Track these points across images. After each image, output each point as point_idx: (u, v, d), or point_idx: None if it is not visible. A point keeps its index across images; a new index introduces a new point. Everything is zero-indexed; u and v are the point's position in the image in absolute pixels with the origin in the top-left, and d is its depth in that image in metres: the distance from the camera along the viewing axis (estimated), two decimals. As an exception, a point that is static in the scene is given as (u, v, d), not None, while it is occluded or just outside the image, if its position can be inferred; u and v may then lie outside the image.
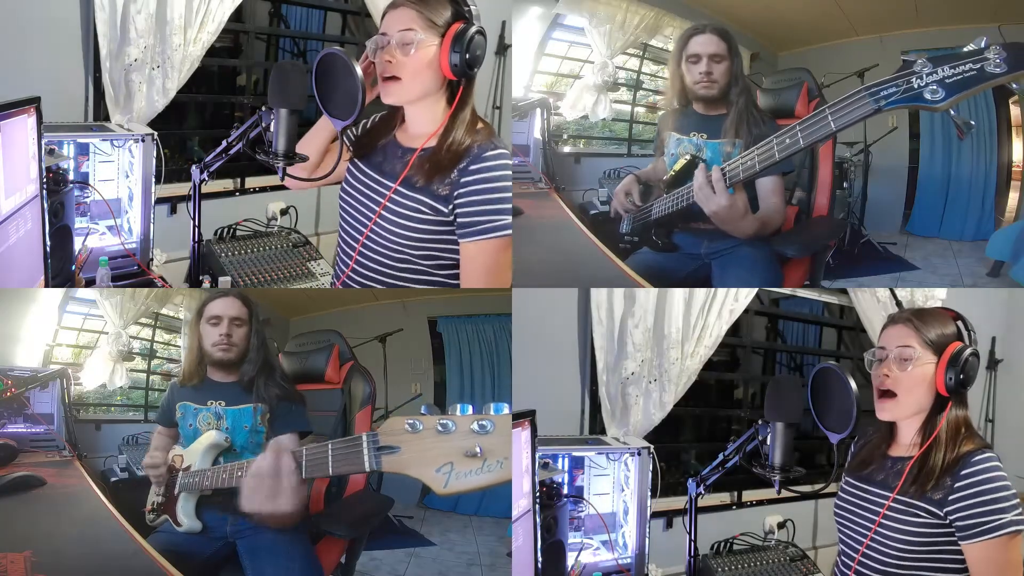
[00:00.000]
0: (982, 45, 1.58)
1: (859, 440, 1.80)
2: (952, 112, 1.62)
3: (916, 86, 1.63)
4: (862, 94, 1.70)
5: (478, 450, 1.22)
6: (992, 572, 1.49)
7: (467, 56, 1.64)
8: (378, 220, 1.72)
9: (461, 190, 1.66)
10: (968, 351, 1.58)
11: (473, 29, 1.64)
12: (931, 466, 1.55)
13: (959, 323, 1.64)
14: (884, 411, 1.63)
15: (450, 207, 1.67)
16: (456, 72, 1.65)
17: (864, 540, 1.62)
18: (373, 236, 1.74)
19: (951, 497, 1.51)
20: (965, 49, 1.60)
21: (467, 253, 1.69)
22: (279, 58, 3.47)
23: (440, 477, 1.23)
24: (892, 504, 1.58)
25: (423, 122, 1.74)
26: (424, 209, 1.68)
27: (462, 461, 1.22)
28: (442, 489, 1.23)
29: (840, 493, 1.75)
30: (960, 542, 1.50)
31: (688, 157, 2.30)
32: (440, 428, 1.25)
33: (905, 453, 1.63)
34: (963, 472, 1.51)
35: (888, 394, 1.62)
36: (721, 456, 2.08)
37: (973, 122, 1.75)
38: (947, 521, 1.51)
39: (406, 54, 1.64)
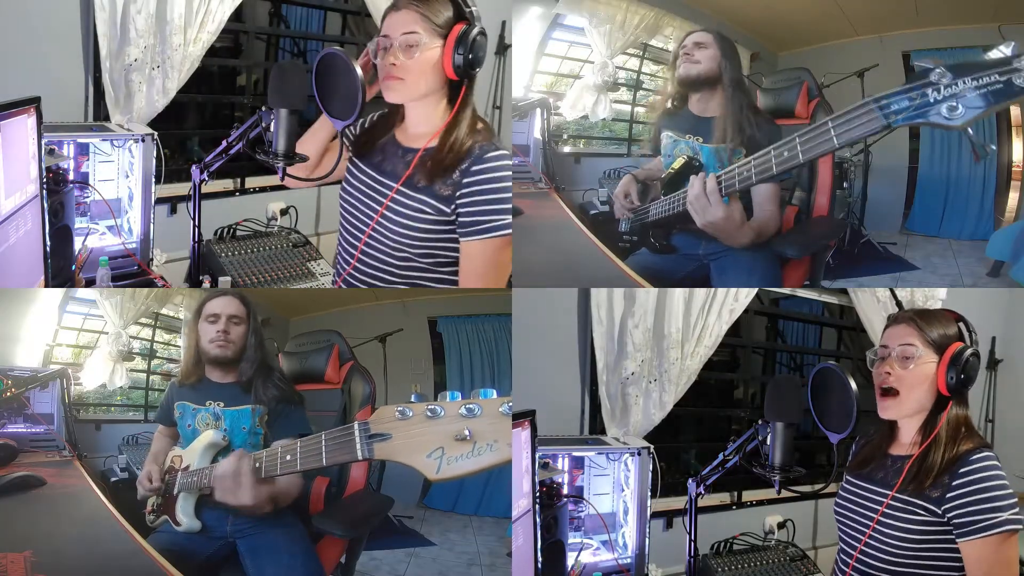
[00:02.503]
0: (1010, 52, 1.37)
1: (860, 439, 1.81)
2: (970, 131, 1.43)
3: (932, 100, 1.42)
4: (870, 107, 1.51)
5: (467, 433, 1.22)
6: (988, 570, 1.49)
7: (470, 57, 1.65)
8: (380, 220, 1.73)
9: (464, 190, 1.67)
10: (969, 351, 1.59)
11: (475, 31, 1.65)
12: (930, 464, 1.56)
13: (961, 324, 1.65)
14: (886, 410, 1.64)
15: (452, 207, 1.68)
16: (459, 73, 1.67)
17: (862, 538, 1.63)
18: (375, 235, 1.75)
19: (949, 495, 1.51)
20: (988, 57, 1.39)
21: (468, 252, 1.70)
22: (279, 58, 3.47)
23: (431, 463, 1.23)
24: (891, 502, 1.59)
25: (424, 122, 1.74)
26: (427, 209, 1.69)
27: (452, 445, 1.23)
28: (434, 475, 1.23)
29: (841, 491, 1.75)
30: (957, 540, 1.51)
31: (685, 158, 2.30)
32: (429, 413, 1.26)
33: (905, 452, 1.64)
34: (961, 470, 1.52)
35: (890, 392, 1.62)
36: (721, 456, 2.08)
37: (993, 146, 1.58)
38: (945, 519, 1.52)
39: (410, 57, 1.64)
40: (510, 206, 1.69)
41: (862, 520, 1.65)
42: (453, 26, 1.66)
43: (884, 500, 1.60)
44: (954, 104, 1.40)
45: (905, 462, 1.61)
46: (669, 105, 2.44)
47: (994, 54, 1.39)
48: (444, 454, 1.23)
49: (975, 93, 1.38)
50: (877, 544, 1.60)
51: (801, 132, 1.69)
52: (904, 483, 1.58)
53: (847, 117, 1.57)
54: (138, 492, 2.04)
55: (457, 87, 1.71)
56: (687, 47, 2.32)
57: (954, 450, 1.55)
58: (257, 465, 1.66)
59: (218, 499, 1.75)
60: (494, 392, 1.25)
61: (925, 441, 1.59)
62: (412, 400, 1.30)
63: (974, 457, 1.53)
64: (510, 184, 1.69)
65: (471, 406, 1.24)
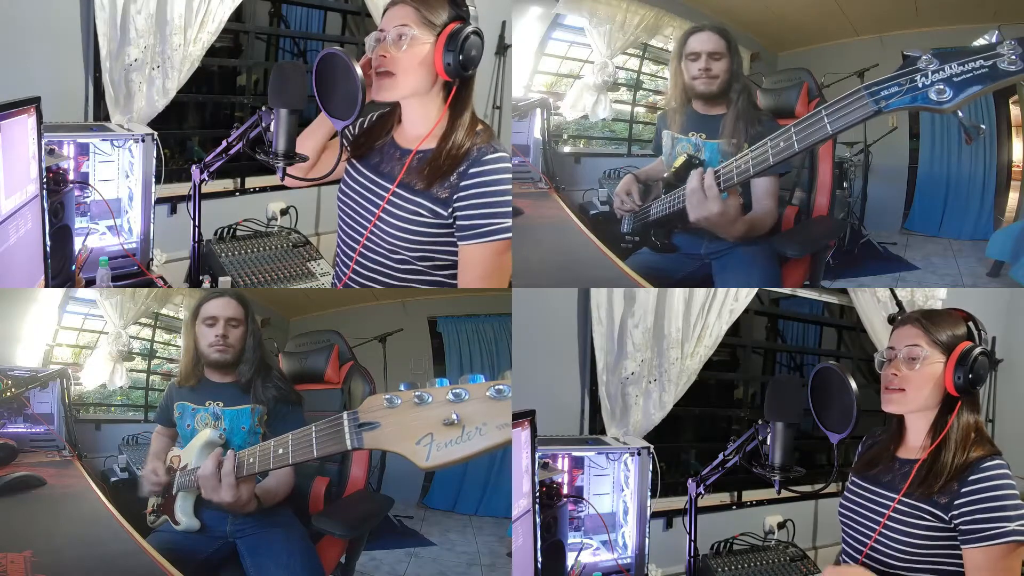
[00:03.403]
0: (994, 40, 1.44)
1: (867, 440, 1.79)
2: (960, 114, 1.49)
3: (920, 85, 1.48)
4: (861, 94, 1.57)
5: (455, 417, 1.21)
6: None
7: (461, 57, 1.64)
8: (378, 222, 1.73)
9: (461, 193, 1.66)
10: (977, 350, 1.56)
11: (468, 29, 1.64)
12: (938, 468, 1.54)
13: (970, 324, 1.63)
14: (891, 403, 1.62)
15: (450, 210, 1.67)
16: (449, 72, 1.65)
17: (868, 541, 1.62)
18: (373, 238, 1.74)
19: (957, 502, 1.50)
20: (975, 44, 1.46)
21: (466, 256, 1.70)
22: (279, 58, 3.47)
23: (421, 450, 1.22)
24: (897, 506, 1.58)
25: (419, 122, 1.74)
26: (424, 212, 1.69)
27: (441, 431, 1.22)
28: (424, 462, 1.22)
29: (846, 492, 1.74)
30: (962, 546, 1.50)
31: (686, 156, 2.30)
32: (417, 400, 1.26)
33: (913, 455, 1.62)
34: (971, 477, 1.50)
35: (896, 389, 1.61)
36: (721, 456, 2.08)
37: (983, 126, 1.65)
38: (952, 525, 1.51)
39: (399, 49, 1.64)
40: (509, 209, 1.68)
41: (868, 523, 1.64)
42: (449, 26, 1.66)
43: (891, 504, 1.59)
44: (942, 88, 1.46)
45: (913, 465, 1.59)
46: (674, 104, 2.44)
47: (979, 42, 1.46)
48: (433, 440, 1.22)
49: (962, 77, 1.45)
50: (883, 548, 1.59)
51: (796, 123, 1.72)
52: (912, 487, 1.57)
53: (839, 105, 1.62)
54: (144, 489, 2.03)
55: (456, 88, 1.71)
56: (698, 56, 2.28)
57: (964, 456, 1.53)
58: (251, 460, 1.67)
59: (204, 497, 1.78)
60: (482, 377, 1.24)
61: (933, 444, 1.57)
62: (401, 389, 1.30)
63: (985, 464, 1.51)
64: (510, 187, 1.68)
65: (458, 391, 1.23)
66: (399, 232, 1.70)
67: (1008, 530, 1.46)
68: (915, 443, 1.64)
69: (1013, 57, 1.42)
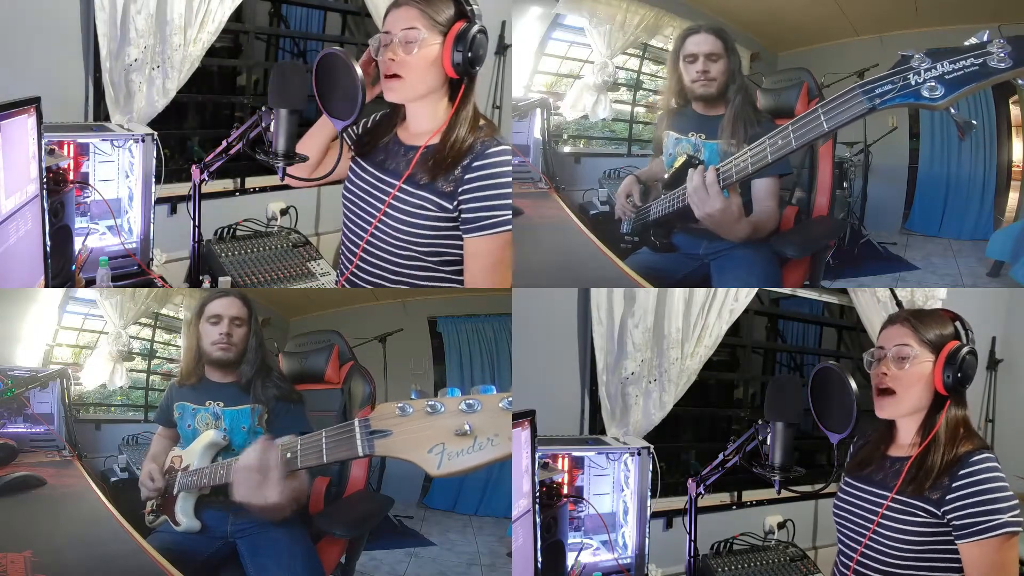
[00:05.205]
0: (984, 39, 1.48)
1: (859, 440, 1.80)
2: (952, 111, 1.52)
3: (913, 83, 1.51)
4: (856, 92, 1.59)
5: (467, 428, 1.23)
6: (987, 572, 1.49)
7: (469, 55, 1.65)
8: (383, 218, 1.74)
9: (466, 186, 1.67)
10: (966, 349, 1.59)
11: (475, 28, 1.65)
12: (929, 466, 1.56)
13: (957, 323, 1.65)
14: (883, 409, 1.64)
15: (455, 203, 1.68)
16: (458, 71, 1.67)
17: (863, 540, 1.63)
18: (378, 234, 1.75)
19: (948, 497, 1.51)
20: (966, 43, 1.49)
21: (472, 249, 1.71)
22: (279, 58, 3.47)
23: (432, 458, 1.24)
24: (890, 504, 1.59)
25: (425, 120, 1.75)
26: (429, 206, 1.69)
27: (453, 441, 1.23)
28: (435, 471, 1.23)
29: (839, 493, 1.75)
30: (956, 541, 1.51)
31: (685, 156, 2.30)
32: (429, 410, 1.27)
33: (904, 453, 1.64)
34: (961, 472, 1.52)
35: (887, 392, 1.62)
36: (721, 456, 2.08)
37: (975, 121, 1.67)
38: (945, 521, 1.52)
39: (409, 52, 1.65)
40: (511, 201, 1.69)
41: (862, 522, 1.65)
42: (454, 24, 1.66)
43: (884, 502, 1.60)
44: (934, 85, 1.50)
45: (904, 463, 1.60)
46: (673, 104, 2.44)
47: (971, 41, 1.49)
48: (445, 449, 1.23)
49: (953, 75, 1.48)
50: (877, 546, 1.60)
51: (794, 121, 1.74)
52: (903, 484, 1.58)
53: (835, 103, 1.64)
54: (142, 493, 2.04)
55: (458, 85, 1.71)
56: (696, 58, 2.29)
57: (953, 451, 1.55)
58: (289, 455, 1.52)
59: (239, 498, 1.60)
60: (494, 389, 1.26)
61: (924, 442, 1.59)
62: (412, 397, 1.31)
63: (974, 459, 1.53)
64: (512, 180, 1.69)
65: (471, 401, 1.24)
66: (405, 227, 1.71)
67: (1001, 522, 1.47)
68: (905, 441, 1.65)
69: (1003, 55, 1.46)
